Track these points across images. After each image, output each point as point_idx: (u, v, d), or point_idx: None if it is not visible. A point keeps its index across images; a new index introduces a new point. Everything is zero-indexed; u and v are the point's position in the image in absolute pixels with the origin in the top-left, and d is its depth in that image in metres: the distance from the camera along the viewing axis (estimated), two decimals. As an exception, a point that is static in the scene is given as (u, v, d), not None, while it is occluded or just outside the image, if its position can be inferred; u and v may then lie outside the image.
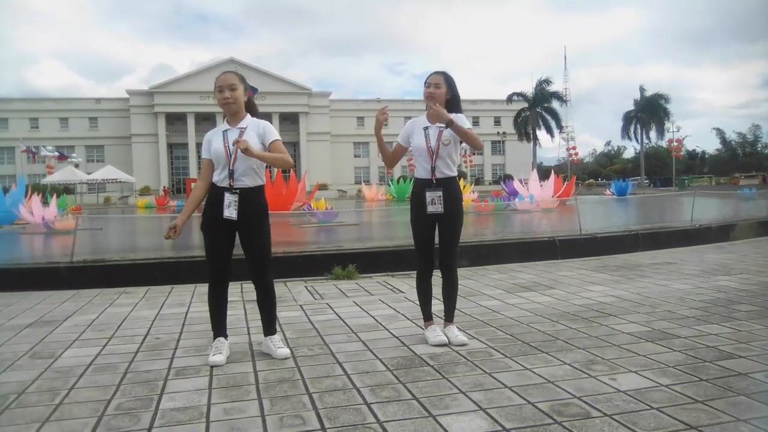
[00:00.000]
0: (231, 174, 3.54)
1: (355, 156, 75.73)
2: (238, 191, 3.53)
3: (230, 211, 3.52)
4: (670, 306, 4.76)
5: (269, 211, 3.75)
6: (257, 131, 3.61)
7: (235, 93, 3.56)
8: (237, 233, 3.63)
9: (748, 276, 6.08)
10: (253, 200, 3.58)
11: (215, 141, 3.60)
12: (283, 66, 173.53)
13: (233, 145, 3.46)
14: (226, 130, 3.61)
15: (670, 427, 2.43)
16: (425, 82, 3.89)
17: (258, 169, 3.61)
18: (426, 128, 3.89)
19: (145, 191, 56.44)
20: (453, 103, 3.91)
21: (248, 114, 3.68)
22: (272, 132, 3.65)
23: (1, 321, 4.81)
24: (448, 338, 3.81)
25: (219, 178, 3.58)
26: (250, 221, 3.57)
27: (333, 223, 13.56)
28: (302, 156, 69.07)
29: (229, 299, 3.80)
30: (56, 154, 48.27)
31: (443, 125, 3.81)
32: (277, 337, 3.73)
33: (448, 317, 3.98)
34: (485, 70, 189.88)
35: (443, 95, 3.86)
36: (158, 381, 3.23)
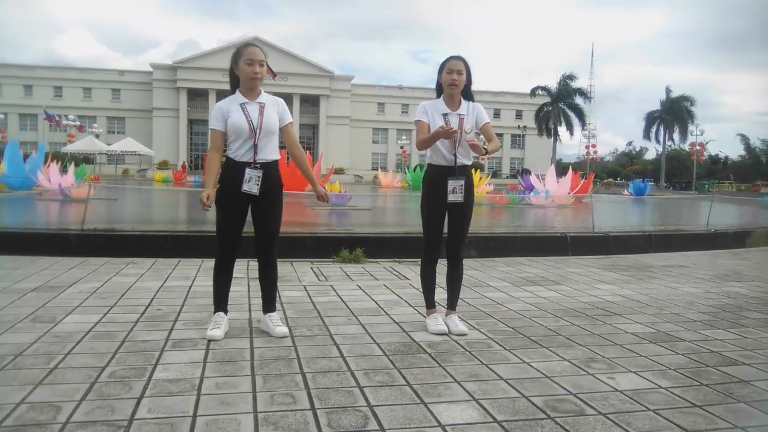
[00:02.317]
0: (255, 148, 3.52)
1: (373, 142, 75.44)
2: (260, 166, 3.52)
3: (250, 186, 3.51)
4: (678, 309, 4.69)
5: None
6: (276, 108, 3.63)
7: (264, 69, 3.58)
8: (250, 208, 3.61)
9: (760, 284, 5.97)
10: (273, 175, 3.59)
11: (234, 114, 3.52)
12: (309, 48, 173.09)
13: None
14: (244, 104, 3.56)
15: (664, 430, 2.39)
16: (444, 67, 3.77)
17: (276, 145, 3.64)
18: (445, 115, 3.75)
19: (163, 165, 56.78)
20: (467, 89, 3.84)
21: (261, 88, 3.67)
22: (288, 113, 3.71)
23: (7, 283, 4.85)
24: (448, 327, 3.77)
25: (240, 152, 3.53)
26: (267, 196, 3.57)
27: (345, 207, 13.53)
28: (321, 139, 69.00)
29: (233, 275, 3.79)
30: (78, 123, 48.65)
31: (462, 113, 3.76)
32: (276, 315, 3.72)
33: (451, 306, 3.95)
34: (511, 63, 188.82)
35: (464, 82, 3.78)
36: (154, 351, 3.23)
